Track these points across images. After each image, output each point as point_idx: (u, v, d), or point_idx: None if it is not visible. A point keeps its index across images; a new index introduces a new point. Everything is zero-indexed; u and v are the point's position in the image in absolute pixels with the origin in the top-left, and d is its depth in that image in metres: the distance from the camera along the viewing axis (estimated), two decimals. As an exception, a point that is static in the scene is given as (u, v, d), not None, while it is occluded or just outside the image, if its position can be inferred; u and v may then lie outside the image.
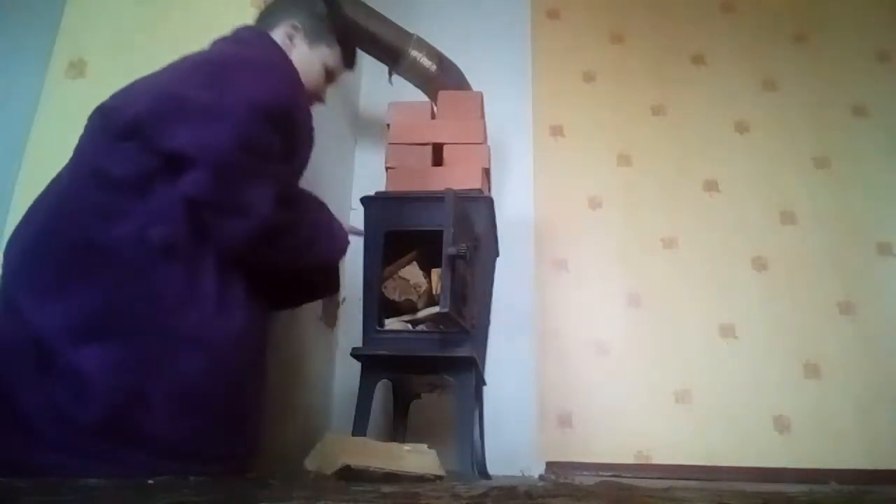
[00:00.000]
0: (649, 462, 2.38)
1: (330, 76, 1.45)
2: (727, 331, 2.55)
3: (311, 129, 1.38)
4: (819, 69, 2.95)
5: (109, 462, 0.97)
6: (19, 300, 1.03)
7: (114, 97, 1.17)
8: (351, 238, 1.49)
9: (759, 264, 2.65)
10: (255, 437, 1.24)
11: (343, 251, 1.41)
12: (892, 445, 2.31)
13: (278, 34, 1.37)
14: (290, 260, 1.25)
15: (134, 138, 1.10)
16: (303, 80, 1.35)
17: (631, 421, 2.44)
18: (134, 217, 1.07)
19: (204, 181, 1.08)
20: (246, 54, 1.27)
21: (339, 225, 1.41)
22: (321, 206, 1.38)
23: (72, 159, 1.17)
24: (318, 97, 1.46)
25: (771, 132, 2.86)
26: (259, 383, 1.26)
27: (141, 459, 0.99)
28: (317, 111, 1.43)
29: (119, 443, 0.98)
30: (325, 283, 1.49)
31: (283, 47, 1.36)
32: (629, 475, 2.17)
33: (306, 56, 1.38)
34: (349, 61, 1.50)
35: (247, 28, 1.39)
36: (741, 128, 2.88)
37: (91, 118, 1.18)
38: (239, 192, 1.10)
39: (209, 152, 1.08)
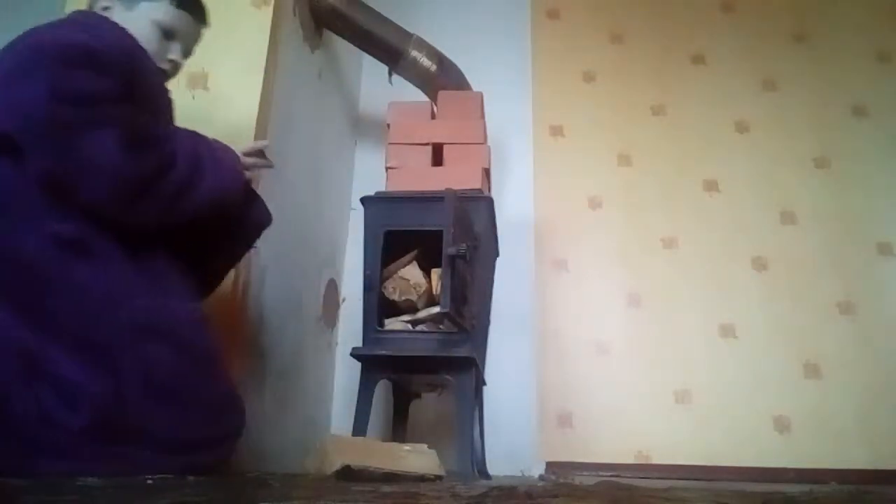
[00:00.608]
0: (649, 462, 2.37)
1: (169, 33, 1.27)
2: (727, 331, 2.55)
3: (164, 91, 1.26)
4: (819, 69, 2.94)
5: (103, 462, 0.96)
6: None
7: None
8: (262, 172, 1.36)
9: (759, 264, 2.65)
10: (238, 414, 1.21)
11: (238, 179, 1.27)
12: (892, 445, 2.31)
13: (96, 10, 1.25)
14: (174, 206, 1.13)
15: None
16: None
17: (631, 421, 2.44)
18: (36, 225, 1.02)
19: (34, 154, 1.00)
20: (58, 20, 1.17)
21: (227, 153, 1.27)
22: (198, 141, 1.24)
23: None
24: (165, 62, 1.27)
25: (771, 132, 2.86)
26: (222, 359, 1.22)
27: (134, 457, 0.99)
28: (315, 111, 1.41)
29: (110, 442, 0.98)
30: (242, 220, 1.35)
31: None
32: (629, 475, 2.17)
33: (129, 21, 1.22)
34: (188, 4, 1.30)
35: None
36: (741, 128, 2.88)
37: None
38: (76, 148, 1.00)
39: (24, 117, 0.99)
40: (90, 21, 1.19)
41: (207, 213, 1.20)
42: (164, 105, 1.26)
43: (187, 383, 1.07)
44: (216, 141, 1.28)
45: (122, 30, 1.19)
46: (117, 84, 1.07)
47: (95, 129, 1.02)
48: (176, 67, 1.31)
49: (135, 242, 1.10)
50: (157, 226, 1.14)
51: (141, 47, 1.20)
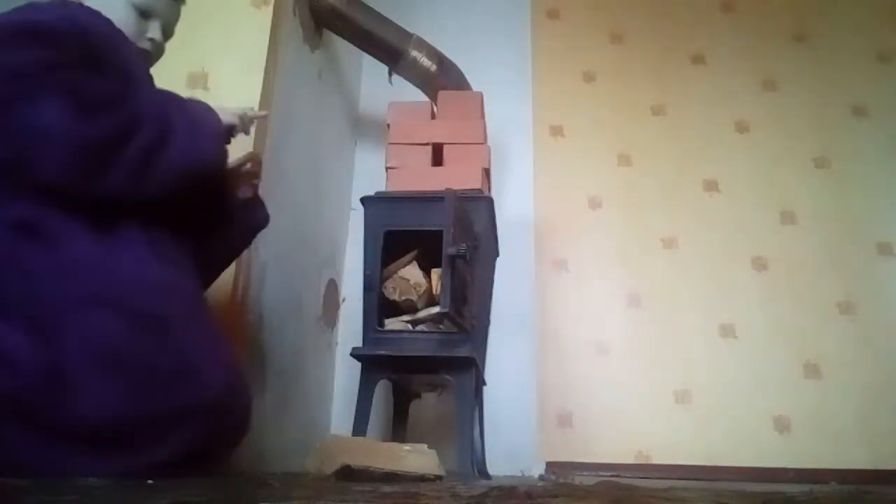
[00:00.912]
0: (649, 462, 2.38)
1: (145, 13, 1.24)
2: (727, 331, 2.55)
3: (140, 65, 1.21)
4: (819, 69, 2.94)
5: (62, 461, 0.90)
6: None
7: None
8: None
9: (759, 264, 2.65)
10: (218, 381, 1.07)
11: (218, 146, 1.20)
12: (892, 445, 2.31)
13: None
14: (144, 175, 1.05)
15: None
16: None
17: (631, 421, 2.44)
18: None
19: None
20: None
21: (206, 116, 1.20)
22: (169, 104, 1.15)
23: None
24: (144, 41, 1.24)
25: (771, 132, 2.86)
26: (195, 327, 1.11)
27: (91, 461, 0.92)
28: (315, 111, 1.41)
29: (52, 434, 0.91)
30: (238, 221, 1.32)
31: None
32: (629, 475, 2.17)
33: (103, 4, 1.19)
34: None
35: None
36: (741, 128, 2.88)
37: None
38: (16, 123, 0.97)
39: None
40: (45, 5, 1.13)
41: (186, 183, 1.13)
42: (139, 75, 1.20)
43: (135, 351, 0.97)
44: (197, 102, 1.21)
45: (91, 10, 1.15)
46: (58, 53, 1.02)
47: (35, 99, 0.97)
48: (157, 47, 1.28)
49: (107, 220, 1.05)
50: (132, 198, 1.07)
51: (112, 26, 1.16)
